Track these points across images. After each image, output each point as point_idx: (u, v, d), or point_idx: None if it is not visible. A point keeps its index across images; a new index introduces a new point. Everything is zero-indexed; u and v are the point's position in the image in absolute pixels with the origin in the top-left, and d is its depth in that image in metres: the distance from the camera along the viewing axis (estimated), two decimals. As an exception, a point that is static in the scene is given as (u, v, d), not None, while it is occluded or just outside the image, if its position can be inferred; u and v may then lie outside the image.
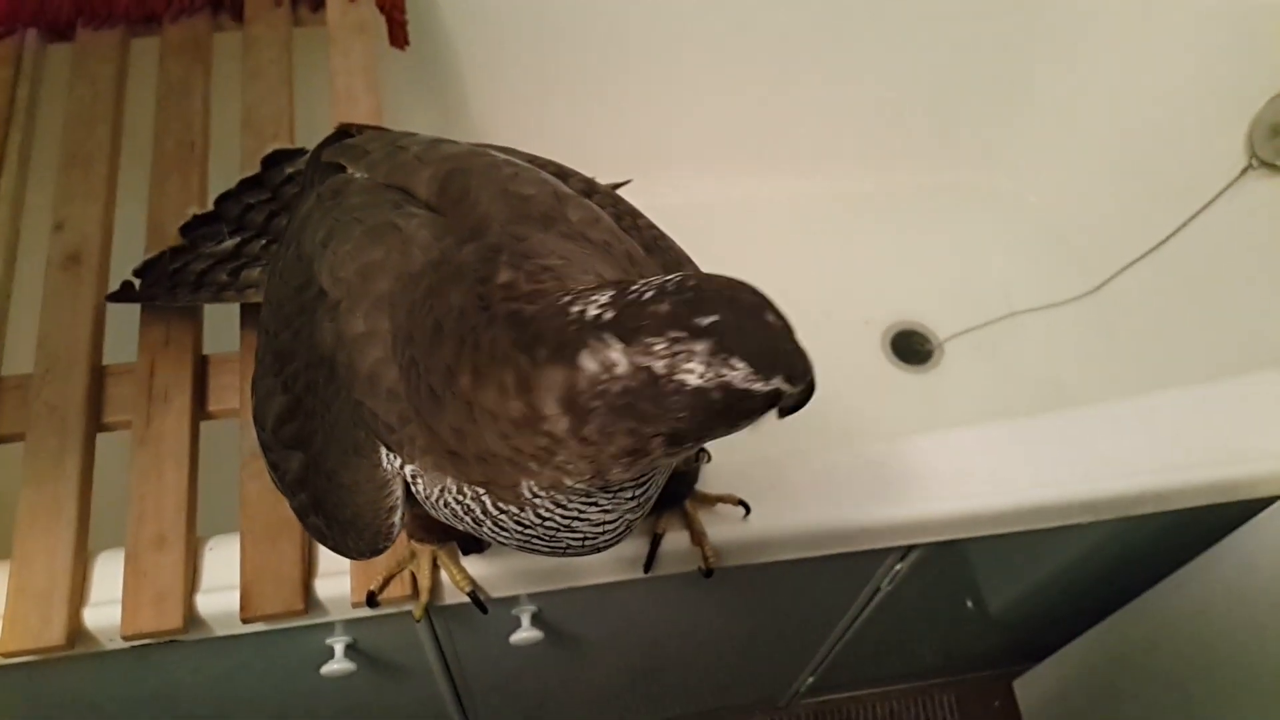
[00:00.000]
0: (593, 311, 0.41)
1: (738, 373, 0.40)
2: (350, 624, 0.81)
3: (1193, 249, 1.25)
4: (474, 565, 0.76)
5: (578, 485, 0.46)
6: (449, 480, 0.51)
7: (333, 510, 0.57)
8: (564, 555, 0.54)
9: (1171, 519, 0.87)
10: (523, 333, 0.43)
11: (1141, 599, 0.99)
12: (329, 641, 0.83)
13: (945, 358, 1.40)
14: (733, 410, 0.41)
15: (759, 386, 0.41)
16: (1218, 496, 0.85)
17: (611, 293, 0.41)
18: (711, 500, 0.79)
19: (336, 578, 0.74)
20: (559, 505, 0.49)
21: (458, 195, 0.58)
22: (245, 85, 0.96)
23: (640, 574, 0.79)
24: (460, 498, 0.51)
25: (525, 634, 0.85)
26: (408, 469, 0.53)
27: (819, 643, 1.14)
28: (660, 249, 0.63)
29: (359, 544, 0.57)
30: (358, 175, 0.64)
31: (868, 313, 1.40)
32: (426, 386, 0.49)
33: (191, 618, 0.73)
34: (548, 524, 0.50)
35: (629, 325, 0.40)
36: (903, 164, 1.48)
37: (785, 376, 0.41)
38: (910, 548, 0.87)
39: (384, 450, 0.54)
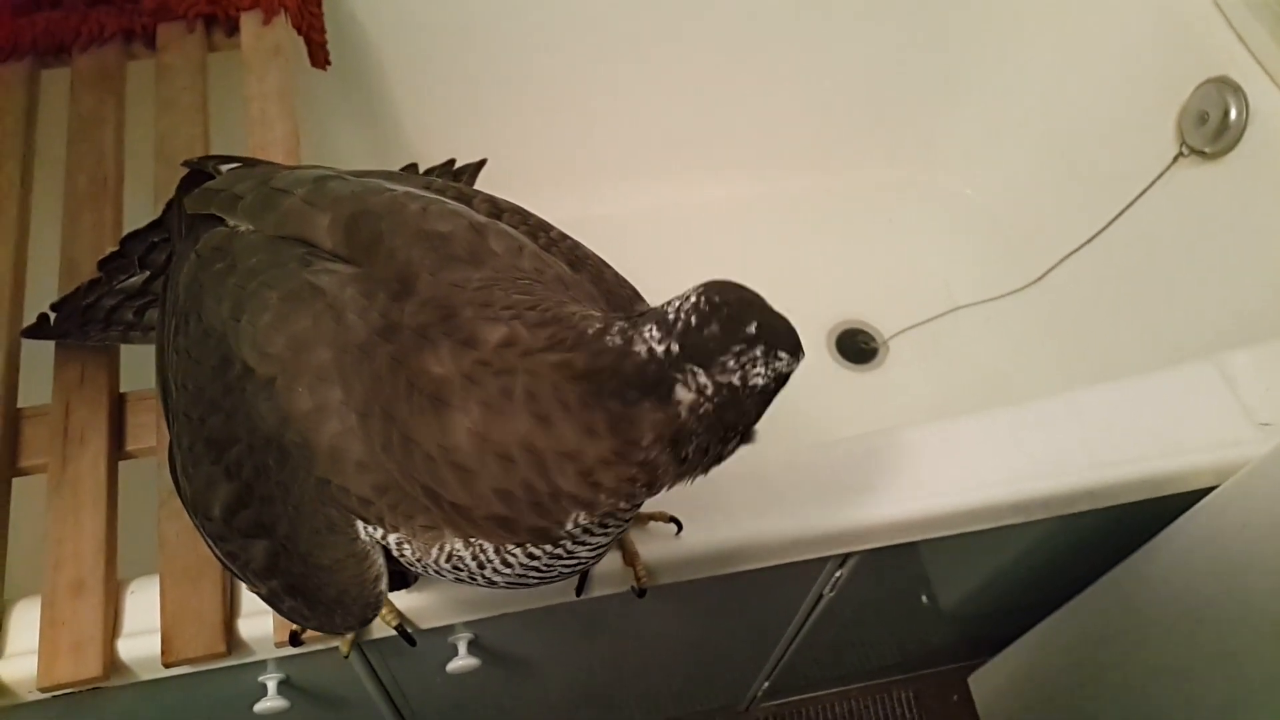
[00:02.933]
0: (659, 349, 0.45)
1: (783, 362, 0.47)
2: (281, 661, 0.80)
3: (1128, 238, 1.25)
4: (401, 598, 0.75)
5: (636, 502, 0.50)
6: (449, 538, 0.51)
7: (314, 592, 0.56)
8: (550, 583, 0.55)
9: (1109, 514, 0.87)
10: (594, 382, 0.45)
11: (1086, 593, 1.00)
12: (261, 679, 0.82)
13: (890, 355, 1.40)
14: (777, 392, 0.49)
15: (795, 367, 0.48)
16: (1151, 491, 0.86)
17: (655, 326, 0.45)
18: (644, 519, 0.78)
19: (259, 617, 0.73)
20: (588, 532, 0.51)
21: (369, 241, 0.55)
22: (158, 115, 0.94)
23: (573, 598, 0.78)
24: (465, 551, 0.51)
25: (462, 662, 0.84)
26: (391, 537, 0.52)
27: (769, 649, 1.14)
28: (581, 261, 0.62)
29: (347, 619, 0.56)
30: (241, 228, 0.61)
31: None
32: (423, 453, 0.48)
33: (113, 665, 0.71)
34: (557, 556, 0.52)
35: (700, 352, 0.45)
36: (841, 163, 1.48)
37: (801, 351, 0.49)
38: (847, 555, 0.87)
39: (360, 523, 0.53)
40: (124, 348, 0.85)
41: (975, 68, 1.38)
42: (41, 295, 0.85)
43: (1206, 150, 1.15)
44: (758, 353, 0.46)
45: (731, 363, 0.45)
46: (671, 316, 0.45)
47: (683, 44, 1.32)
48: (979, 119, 1.43)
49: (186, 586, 0.73)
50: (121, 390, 0.82)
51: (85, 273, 0.83)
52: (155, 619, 0.72)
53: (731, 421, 0.47)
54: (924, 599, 1.11)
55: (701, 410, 0.46)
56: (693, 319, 0.45)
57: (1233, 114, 1.11)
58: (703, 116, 1.40)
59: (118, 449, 0.79)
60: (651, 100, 1.37)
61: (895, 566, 0.97)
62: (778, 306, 0.48)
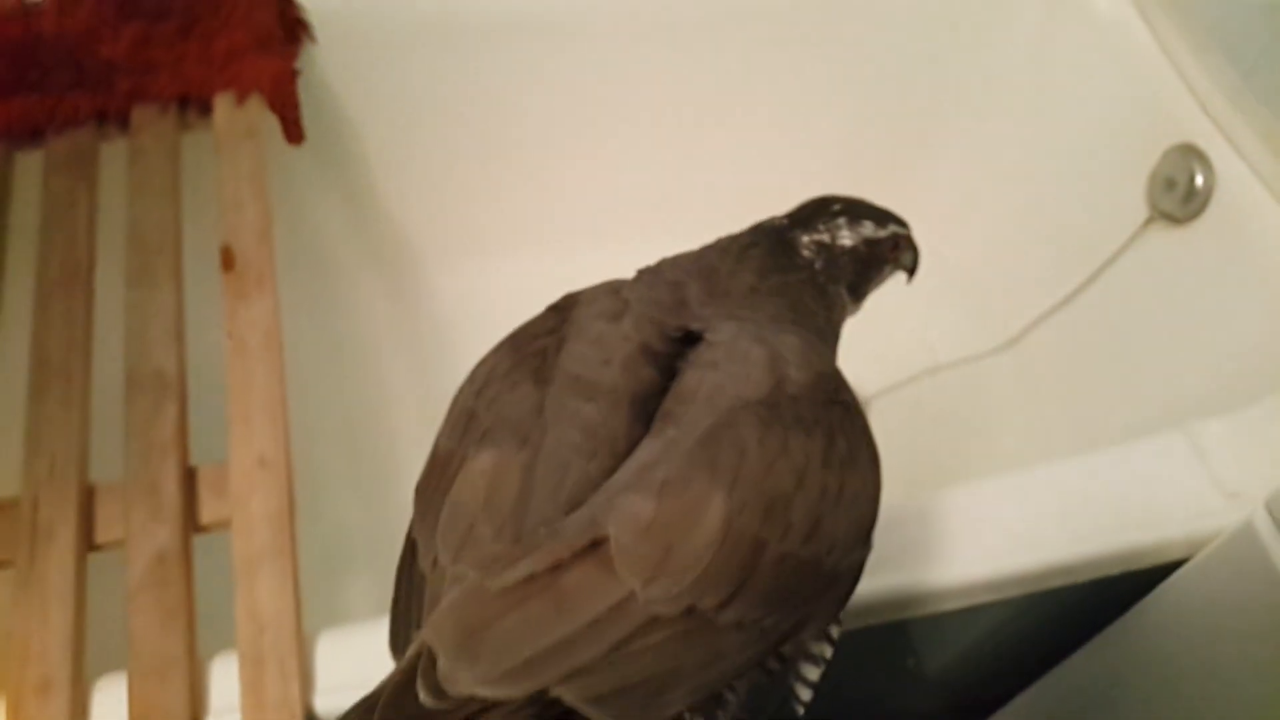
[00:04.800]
0: (783, 222, 0.69)
1: (866, 227, 0.68)
2: (250, 755, 0.79)
3: (1102, 300, 1.26)
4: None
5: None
6: None
7: None
8: None
9: (1084, 587, 0.87)
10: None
11: (1063, 665, 0.99)
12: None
13: (872, 415, 1.39)
14: (873, 257, 0.70)
15: (882, 233, 0.69)
16: (1124, 565, 0.86)
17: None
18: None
19: (227, 715, 0.72)
20: None
21: None
22: (131, 198, 0.95)
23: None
24: None
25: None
26: None
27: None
28: None
29: None
30: None
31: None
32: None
33: (78, 766, 0.71)
34: None
35: (799, 223, 0.68)
36: (818, 224, 1.49)
37: (895, 222, 0.71)
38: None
39: None
40: (95, 435, 0.84)
41: (951, 131, 1.40)
42: (11, 385, 0.85)
43: (1176, 215, 1.16)
44: (840, 221, 0.68)
45: (821, 226, 0.67)
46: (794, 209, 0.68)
47: (658, 110, 1.34)
48: (956, 180, 1.44)
49: (154, 684, 0.72)
50: (91, 481, 0.82)
51: (55, 364, 0.83)
52: (123, 716, 0.71)
53: (836, 274, 0.68)
54: (909, 662, 1.10)
55: (816, 263, 0.67)
56: (801, 211, 0.69)
57: (1199, 180, 1.12)
58: (679, 180, 1.41)
59: (87, 542, 0.79)
60: (628, 164, 1.38)
61: (865, 643, 0.97)
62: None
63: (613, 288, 0.62)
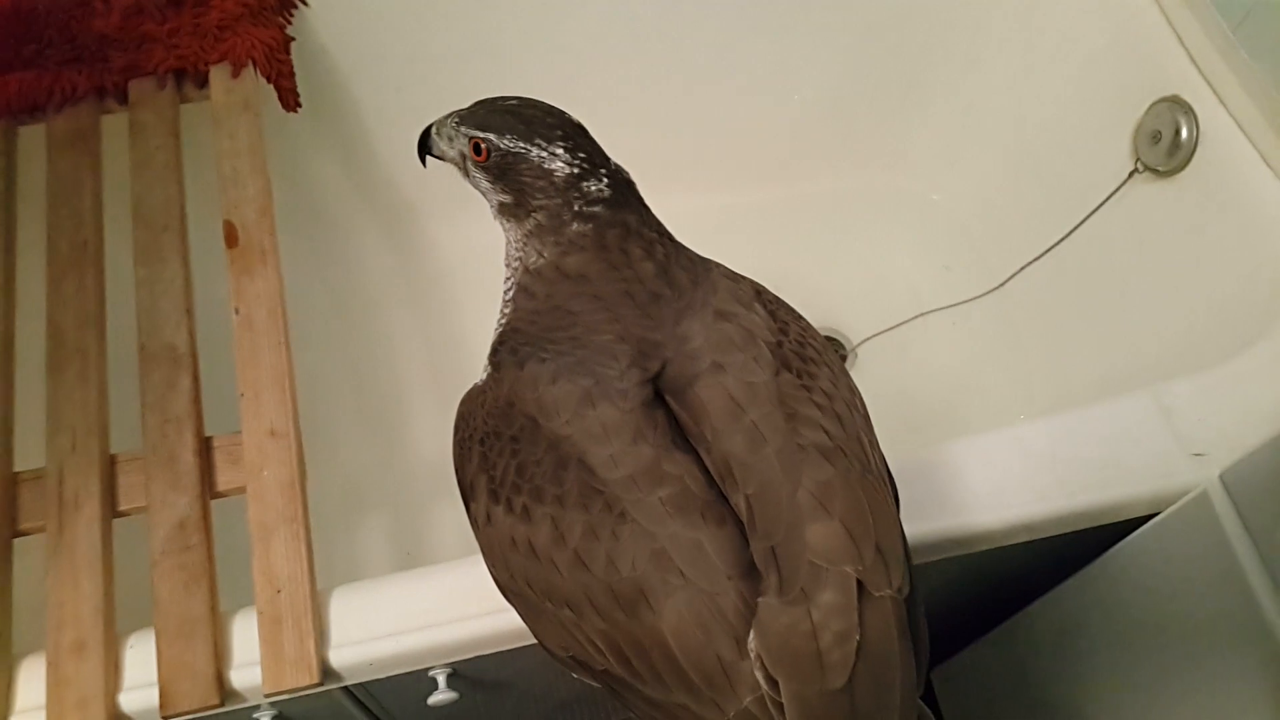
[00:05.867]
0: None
1: None
2: (272, 704, 0.85)
3: (1087, 249, 1.28)
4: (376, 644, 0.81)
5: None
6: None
7: None
8: None
9: (1047, 541, 0.92)
10: None
11: (1025, 611, 1.05)
12: (255, 716, 0.87)
13: (860, 361, 1.44)
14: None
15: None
16: (1088, 522, 0.90)
17: None
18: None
19: (248, 668, 0.79)
20: None
21: None
22: (134, 174, 0.97)
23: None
24: None
25: (442, 695, 0.89)
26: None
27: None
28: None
29: None
30: None
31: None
32: None
33: (116, 719, 0.77)
34: None
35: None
36: (810, 173, 1.50)
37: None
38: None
39: None
40: (114, 407, 0.89)
41: (938, 79, 1.40)
42: (30, 361, 0.89)
43: (1160, 168, 1.17)
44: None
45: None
46: None
47: (649, 63, 1.34)
48: (944, 128, 1.45)
49: (180, 643, 0.78)
50: (112, 452, 0.87)
51: (70, 341, 0.87)
52: (153, 674, 0.78)
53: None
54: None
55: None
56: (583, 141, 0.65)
57: (1184, 133, 1.13)
58: (670, 132, 1.42)
59: (111, 510, 0.84)
60: (619, 118, 1.37)
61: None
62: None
63: (553, 375, 0.60)
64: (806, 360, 0.62)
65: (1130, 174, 1.22)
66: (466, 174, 0.66)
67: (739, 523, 0.54)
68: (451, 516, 0.67)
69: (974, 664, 1.23)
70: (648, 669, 0.55)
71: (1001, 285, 1.39)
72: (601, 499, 0.55)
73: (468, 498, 0.64)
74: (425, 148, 0.69)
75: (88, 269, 0.92)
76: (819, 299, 1.47)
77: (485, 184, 0.65)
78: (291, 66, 1.09)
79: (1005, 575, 1.05)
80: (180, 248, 0.94)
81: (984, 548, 0.89)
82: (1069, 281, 1.31)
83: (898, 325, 1.43)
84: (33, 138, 1.01)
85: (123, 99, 1.02)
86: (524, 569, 0.59)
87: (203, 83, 1.04)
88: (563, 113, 0.65)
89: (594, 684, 0.62)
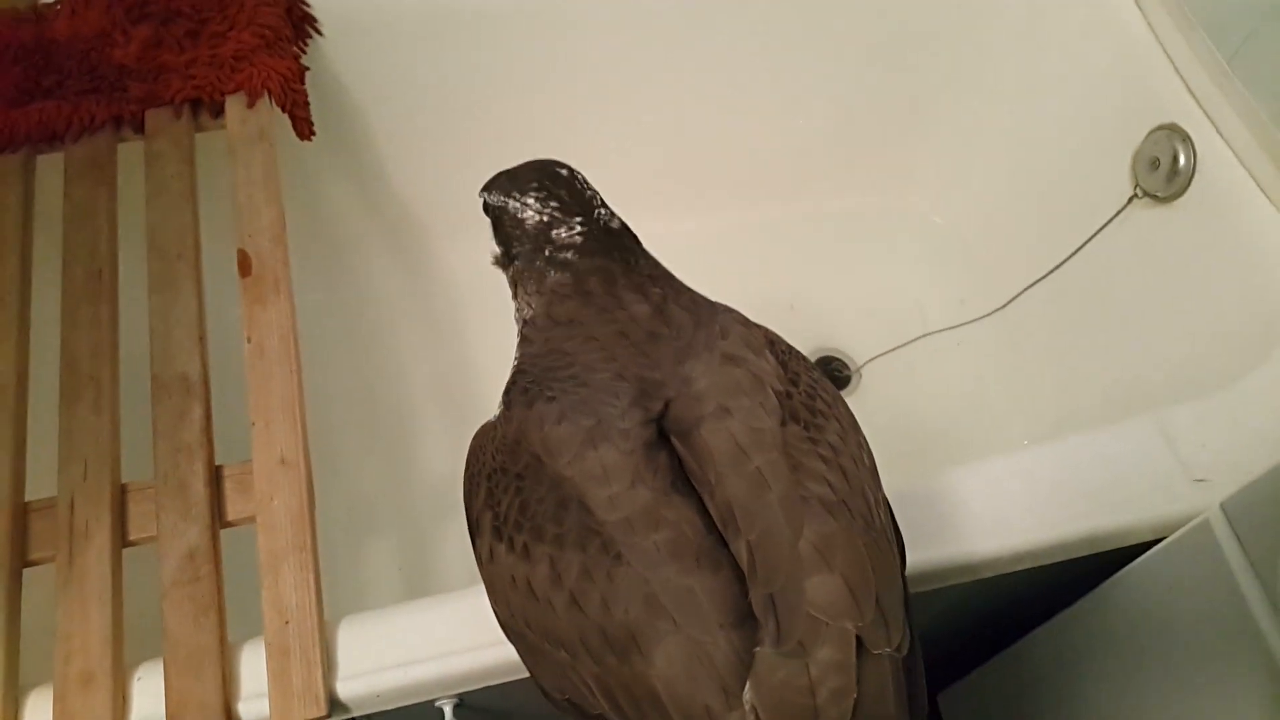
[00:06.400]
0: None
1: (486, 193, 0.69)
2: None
3: (1088, 273, 1.29)
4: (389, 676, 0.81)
5: None
6: None
7: None
8: None
9: (1051, 567, 0.93)
10: None
11: (1028, 637, 1.05)
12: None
13: (864, 382, 1.45)
14: (497, 221, 0.69)
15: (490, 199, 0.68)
16: (1091, 548, 0.91)
17: None
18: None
19: (256, 700, 0.79)
20: None
21: None
22: (149, 203, 0.99)
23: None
24: None
25: (450, 725, 0.90)
26: None
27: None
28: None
29: None
30: None
31: (788, 341, 1.45)
32: None
33: (122, 752, 0.77)
34: None
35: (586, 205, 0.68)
36: (814, 193, 1.52)
37: (495, 192, 0.69)
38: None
39: None
40: (125, 437, 0.90)
41: (942, 102, 1.42)
42: (44, 390, 0.90)
43: (1159, 194, 1.19)
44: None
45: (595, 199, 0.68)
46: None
47: (656, 90, 1.36)
48: (947, 150, 1.47)
49: (189, 675, 0.79)
50: (123, 481, 0.88)
51: (84, 370, 0.88)
52: (160, 706, 0.78)
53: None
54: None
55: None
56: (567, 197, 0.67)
57: (1182, 160, 1.15)
58: (678, 152, 1.44)
59: (121, 539, 0.85)
60: (627, 142, 1.41)
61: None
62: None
63: (559, 415, 0.60)
64: (815, 413, 0.62)
65: (1130, 199, 1.23)
66: None
67: (736, 570, 0.54)
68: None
69: (979, 689, 1.23)
70: (638, 715, 0.55)
71: (1004, 307, 1.40)
72: (599, 540, 0.55)
73: (474, 533, 0.65)
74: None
75: (102, 297, 0.93)
76: (823, 320, 1.48)
77: (490, 237, 0.70)
78: (306, 96, 1.10)
79: (1009, 601, 1.05)
80: (194, 276, 0.95)
81: (988, 574, 0.90)
82: (1071, 304, 1.32)
83: (901, 346, 1.44)
84: (50, 166, 1.02)
85: (139, 128, 1.04)
86: (523, 608, 0.59)
87: (218, 112, 1.05)
88: (554, 168, 0.68)
89: None
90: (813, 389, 0.65)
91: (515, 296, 0.69)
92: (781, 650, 0.52)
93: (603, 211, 0.67)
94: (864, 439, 0.66)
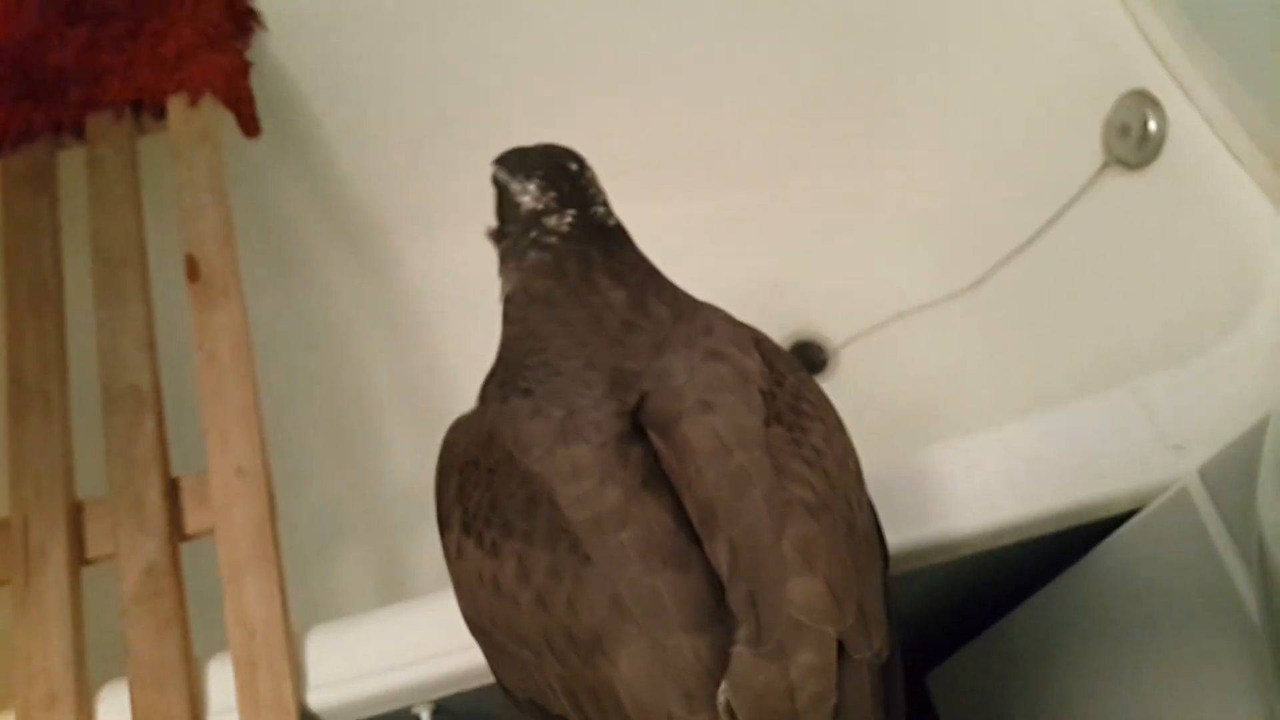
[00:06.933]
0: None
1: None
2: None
3: (1061, 245, 1.28)
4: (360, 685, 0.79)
5: None
6: None
7: None
8: None
9: (1034, 541, 0.92)
10: None
11: (1015, 612, 1.04)
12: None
13: (841, 364, 1.43)
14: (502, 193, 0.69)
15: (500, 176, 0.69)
16: (1072, 521, 0.90)
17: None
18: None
19: (225, 715, 0.77)
20: None
21: None
22: (93, 211, 0.96)
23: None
24: None
25: (427, 732, 0.88)
26: None
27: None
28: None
29: None
30: None
31: (765, 327, 1.43)
32: None
33: (88, 772, 0.75)
34: None
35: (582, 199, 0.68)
36: (785, 177, 1.50)
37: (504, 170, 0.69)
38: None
39: None
40: (78, 454, 0.88)
41: (910, 81, 1.40)
42: (-9, 407, 0.87)
43: (1130, 161, 1.17)
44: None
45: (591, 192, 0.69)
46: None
47: (624, 74, 1.33)
48: (917, 129, 1.45)
49: (154, 692, 0.77)
50: (78, 498, 0.85)
51: (32, 385, 0.86)
52: (126, 726, 0.76)
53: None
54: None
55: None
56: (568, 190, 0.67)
57: (1152, 126, 1.13)
58: (649, 141, 1.41)
59: (79, 558, 0.83)
60: (596, 127, 1.38)
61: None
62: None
63: (532, 410, 0.59)
64: (800, 414, 0.61)
65: (1102, 167, 1.21)
66: None
67: (705, 571, 0.53)
68: (433, 547, 0.65)
69: (968, 666, 1.22)
70: (600, 717, 0.53)
71: (979, 282, 1.38)
72: (567, 540, 0.54)
73: (443, 528, 0.63)
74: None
75: (48, 310, 0.90)
76: (799, 304, 1.46)
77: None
78: (251, 92, 1.07)
79: (993, 578, 1.05)
80: (141, 284, 0.92)
81: (970, 552, 0.89)
82: (1047, 277, 1.30)
83: (877, 327, 1.43)
84: (-12, 178, 0.99)
85: (80, 134, 1.01)
86: (489, 605, 0.58)
87: (161, 114, 1.02)
88: (563, 157, 0.70)
89: None
90: (798, 390, 0.63)
91: (499, 272, 0.69)
92: (761, 651, 0.51)
93: (600, 209, 0.68)
94: (849, 441, 0.65)
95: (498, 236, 0.69)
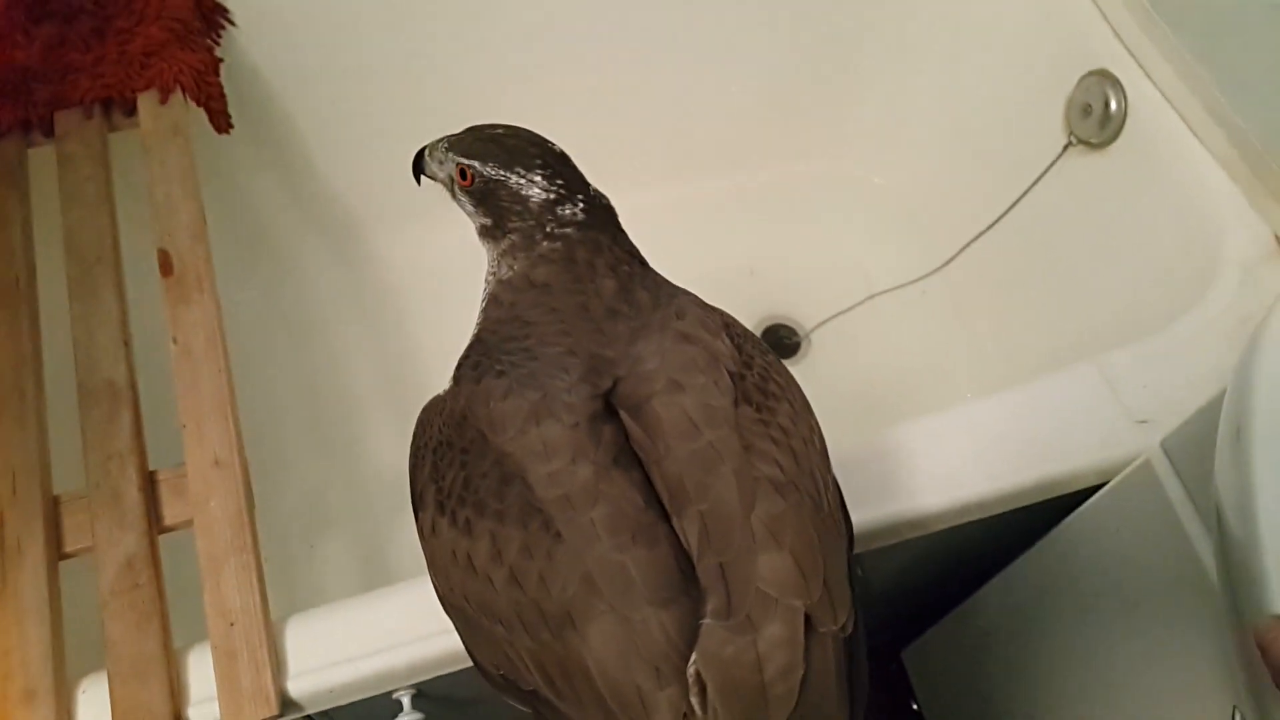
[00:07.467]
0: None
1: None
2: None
3: (1027, 224, 1.30)
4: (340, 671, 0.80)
5: None
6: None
7: None
8: None
9: (1003, 516, 0.93)
10: None
11: (986, 586, 1.06)
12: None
13: (813, 348, 1.45)
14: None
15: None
16: (1039, 496, 0.91)
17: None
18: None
19: (206, 704, 0.78)
20: None
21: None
22: (64, 207, 0.96)
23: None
24: None
25: (407, 717, 0.88)
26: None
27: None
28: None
29: None
30: None
31: (735, 312, 1.44)
32: None
33: (70, 766, 0.76)
34: None
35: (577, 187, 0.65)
36: (750, 162, 1.51)
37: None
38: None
39: None
40: (54, 449, 0.88)
41: (872, 63, 1.41)
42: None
43: (1093, 140, 1.19)
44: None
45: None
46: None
47: (588, 61, 1.34)
48: (881, 112, 1.46)
49: (135, 684, 0.77)
50: (55, 493, 0.85)
51: (7, 381, 0.86)
52: (107, 718, 0.76)
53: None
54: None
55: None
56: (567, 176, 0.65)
57: (1113, 105, 1.15)
58: (613, 128, 1.42)
59: (57, 552, 0.83)
60: (558, 117, 1.38)
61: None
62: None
63: (505, 390, 0.60)
64: (768, 395, 0.62)
65: (1065, 147, 1.23)
66: (453, 195, 0.68)
67: (674, 546, 0.54)
68: (412, 532, 0.66)
69: (942, 640, 1.24)
70: (571, 691, 0.55)
71: (947, 264, 1.40)
72: (540, 517, 0.55)
73: (417, 507, 0.65)
74: (419, 168, 0.71)
75: (21, 307, 0.90)
76: (769, 289, 1.47)
77: (469, 207, 0.67)
78: (221, 89, 1.08)
79: (965, 552, 1.06)
80: (115, 280, 0.93)
81: (939, 528, 0.90)
82: (1013, 257, 1.32)
83: (847, 310, 1.44)
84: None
85: (49, 131, 1.00)
86: (462, 583, 0.59)
87: (131, 111, 1.02)
88: (546, 142, 0.67)
89: (522, 708, 0.62)
90: (766, 372, 0.65)
91: (494, 263, 0.68)
92: (730, 624, 0.52)
93: (593, 189, 0.67)
94: (815, 422, 0.66)
95: (496, 235, 0.66)
